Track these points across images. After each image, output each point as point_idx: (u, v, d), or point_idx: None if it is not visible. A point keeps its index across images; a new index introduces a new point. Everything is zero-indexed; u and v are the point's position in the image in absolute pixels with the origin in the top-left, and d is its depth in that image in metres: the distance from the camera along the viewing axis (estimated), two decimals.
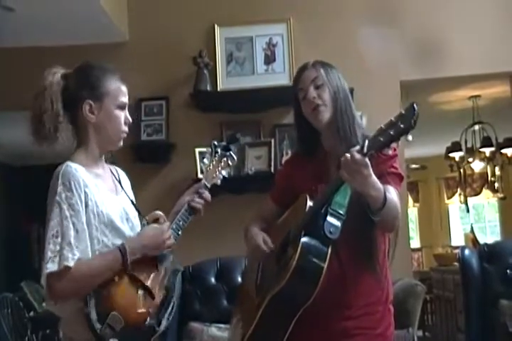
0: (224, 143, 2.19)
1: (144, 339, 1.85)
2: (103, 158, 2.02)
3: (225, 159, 2.14)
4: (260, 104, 3.98)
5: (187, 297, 3.34)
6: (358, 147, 1.72)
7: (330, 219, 1.83)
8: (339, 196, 1.84)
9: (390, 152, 1.91)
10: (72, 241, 1.78)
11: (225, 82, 4.02)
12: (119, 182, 2.05)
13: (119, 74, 1.99)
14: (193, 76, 3.96)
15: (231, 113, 4.02)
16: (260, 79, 4.01)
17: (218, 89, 4.01)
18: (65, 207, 1.81)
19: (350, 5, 4.11)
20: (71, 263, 1.75)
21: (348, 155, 1.71)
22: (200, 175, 3.73)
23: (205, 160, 2.13)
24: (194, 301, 3.35)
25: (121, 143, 2.01)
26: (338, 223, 1.83)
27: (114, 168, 2.10)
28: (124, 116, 1.96)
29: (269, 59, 4.04)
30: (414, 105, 1.63)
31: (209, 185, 2.07)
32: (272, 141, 3.92)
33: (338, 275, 1.91)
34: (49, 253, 1.77)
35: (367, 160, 1.70)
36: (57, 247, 1.77)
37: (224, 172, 2.14)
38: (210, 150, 2.17)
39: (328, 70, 2.06)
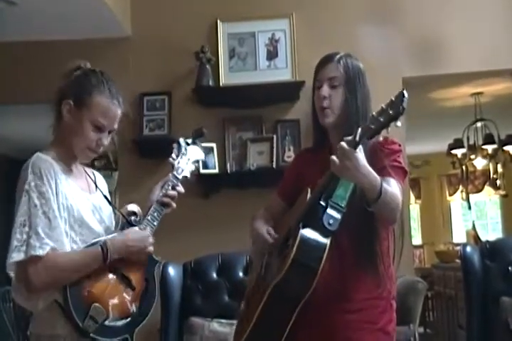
0: (190, 139, 2.20)
1: (128, 330, 1.85)
2: (77, 158, 1.96)
3: (192, 153, 2.15)
4: (262, 100, 3.98)
5: (188, 292, 3.35)
6: (350, 137, 1.72)
7: (330, 211, 1.83)
8: (341, 189, 1.84)
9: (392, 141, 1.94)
10: (40, 230, 1.74)
11: (227, 78, 4.02)
12: (95, 182, 2.03)
13: (118, 99, 1.91)
14: (195, 71, 3.95)
15: (233, 108, 4.02)
16: (262, 74, 4.00)
17: (220, 85, 4.00)
18: (34, 195, 1.77)
19: (353, 1, 4.11)
20: (38, 252, 1.71)
21: (338, 147, 1.71)
22: (202, 171, 3.74)
23: (173, 155, 2.13)
24: (195, 296, 3.35)
25: (86, 159, 1.97)
26: (338, 215, 1.83)
27: (90, 170, 2.07)
28: (96, 135, 1.88)
29: (272, 54, 4.03)
30: (404, 92, 1.64)
31: (180, 177, 2.08)
32: (274, 136, 3.91)
33: (337, 267, 1.91)
34: (15, 243, 1.73)
35: (358, 150, 1.70)
36: (24, 236, 1.73)
37: (192, 167, 2.15)
38: (176, 146, 2.16)
39: (351, 70, 2.02)
